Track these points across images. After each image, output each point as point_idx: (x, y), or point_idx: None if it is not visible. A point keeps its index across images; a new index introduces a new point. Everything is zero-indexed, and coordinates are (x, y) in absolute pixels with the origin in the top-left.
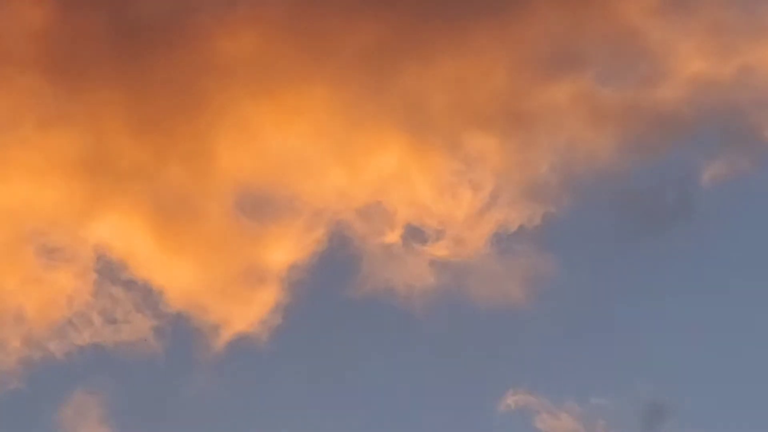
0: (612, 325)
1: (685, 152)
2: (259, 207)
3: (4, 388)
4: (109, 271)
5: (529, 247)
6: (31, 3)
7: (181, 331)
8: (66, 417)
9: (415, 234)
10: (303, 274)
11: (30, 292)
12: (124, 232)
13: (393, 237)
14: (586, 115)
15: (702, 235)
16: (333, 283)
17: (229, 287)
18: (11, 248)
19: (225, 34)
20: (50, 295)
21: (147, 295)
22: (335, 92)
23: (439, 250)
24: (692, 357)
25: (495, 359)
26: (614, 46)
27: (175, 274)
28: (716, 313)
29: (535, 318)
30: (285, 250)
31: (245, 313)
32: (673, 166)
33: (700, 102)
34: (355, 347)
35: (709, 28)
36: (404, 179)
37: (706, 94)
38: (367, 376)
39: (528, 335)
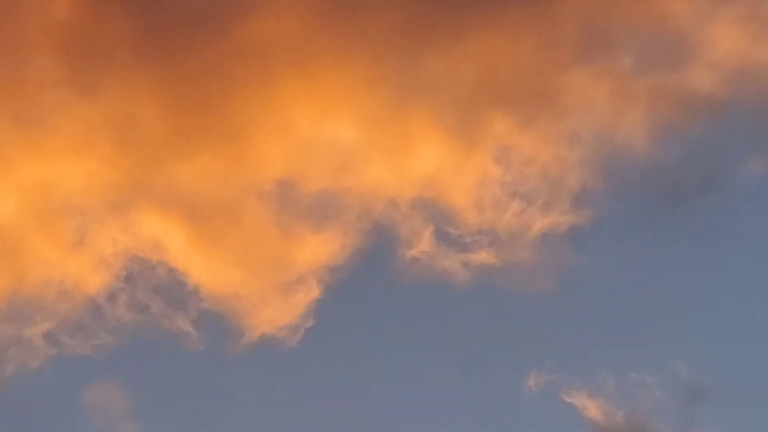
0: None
1: (721, 136)
2: (294, 199)
3: (32, 381)
4: (141, 259)
5: (566, 238)
6: None
7: (213, 321)
8: (92, 407)
9: (451, 231)
10: (340, 271)
11: (61, 275)
12: (156, 221)
13: (429, 234)
14: (620, 100)
15: (738, 217)
16: (370, 280)
17: (265, 281)
18: (42, 235)
19: (261, 17)
20: (80, 284)
21: (179, 287)
22: (373, 77)
23: (476, 247)
24: (729, 339)
25: (536, 341)
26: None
27: (207, 262)
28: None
29: (569, 303)
30: (322, 246)
31: (281, 308)
32: (707, 150)
33: (734, 85)
34: (392, 340)
35: (744, 11)
36: (441, 175)
37: (740, 78)
38: (407, 369)
39: (562, 319)
